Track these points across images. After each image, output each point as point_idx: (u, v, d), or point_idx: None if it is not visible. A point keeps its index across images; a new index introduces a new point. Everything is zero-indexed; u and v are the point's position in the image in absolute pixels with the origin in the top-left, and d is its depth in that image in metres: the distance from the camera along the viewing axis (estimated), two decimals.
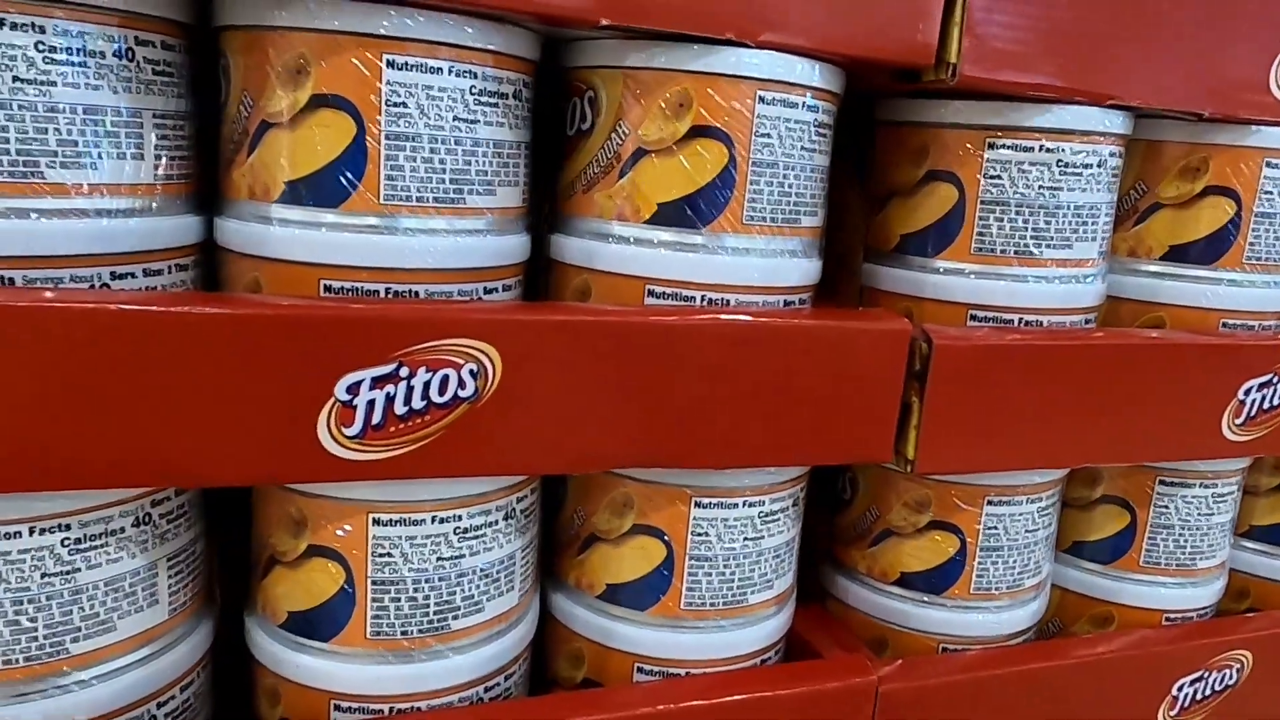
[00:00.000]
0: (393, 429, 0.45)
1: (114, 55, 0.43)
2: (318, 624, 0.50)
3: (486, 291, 0.50)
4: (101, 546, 0.45)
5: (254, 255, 0.47)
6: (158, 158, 0.46)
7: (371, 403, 0.45)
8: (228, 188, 0.48)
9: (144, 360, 0.42)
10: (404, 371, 0.45)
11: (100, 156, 0.43)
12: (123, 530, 0.46)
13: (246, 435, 0.44)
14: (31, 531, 0.43)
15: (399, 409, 0.45)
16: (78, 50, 0.42)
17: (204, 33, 0.49)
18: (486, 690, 0.54)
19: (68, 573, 0.45)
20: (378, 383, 0.45)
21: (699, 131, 0.50)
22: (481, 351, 0.46)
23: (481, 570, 0.51)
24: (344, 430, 0.45)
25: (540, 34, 0.51)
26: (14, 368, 0.40)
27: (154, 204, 0.46)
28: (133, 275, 0.45)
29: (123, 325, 0.41)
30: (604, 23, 0.46)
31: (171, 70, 0.46)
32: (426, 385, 0.45)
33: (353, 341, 0.44)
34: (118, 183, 0.44)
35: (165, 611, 0.49)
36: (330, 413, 0.44)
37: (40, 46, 0.41)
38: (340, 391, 0.44)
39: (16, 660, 0.44)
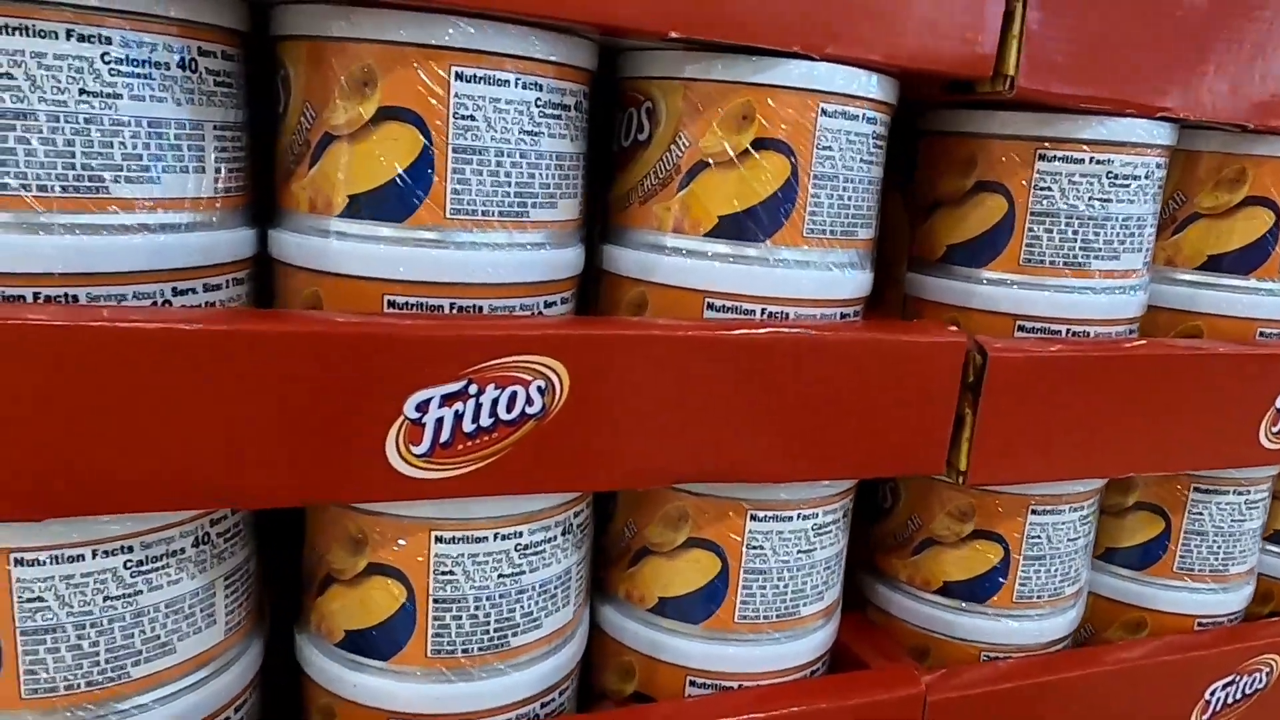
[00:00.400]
0: (460, 447, 0.45)
1: (178, 66, 0.42)
2: (377, 643, 0.49)
3: (546, 305, 0.50)
4: (163, 568, 0.44)
5: (314, 269, 0.46)
6: (218, 170, 0.45)
7: (440, 420, 0.44)
8: (285, 200, 0.47)
9: (212, 380, 0.41)
10: (473, 389, 0.44)
11: (163, 170, 0.42)
12: (182, 551, 0.45)
13: (315, 455, 0.43)
14: (94, 554, 0.42)
15: (467, 426, 0.45)
16: (143, 62, 0.41)
17: (258, 41, 0.48)
18: (543, 706, 0.53)
19: (129, 595, 0.44)
20: (447, 400, 0.44)
21: (761, 144, 0.49)
22: (550, 368, 0.45)
23: (540, 586, 0.51)
24: (412, 449, 0.44)
25: (598, 44, 0.50)
26: (78, 389, 0.39)
27: (214, 218, 0.45)
28: (193, 291, 0.44)
29: (191, 344, 0.40)
30: (673, 35, 0.46)
31: (230, 81, 0.45)
32: (495, 402, 0.45)
33: (423, 359, 0.43)
34: (180, 197, 0.43)
35: (222, 631, 0.48)
36: (399, 431, 0.44)
37: (107, 58, 0.40)
38: (410, 409, 0.44)
39: (78, 685, 0.43)
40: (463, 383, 0.44)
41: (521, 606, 0.50)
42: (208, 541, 0.47)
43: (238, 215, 0.47)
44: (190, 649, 0.46)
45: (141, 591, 0.44)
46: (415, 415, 0.44)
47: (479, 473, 0.46)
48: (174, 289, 0.44)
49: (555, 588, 0.52)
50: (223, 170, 0.45)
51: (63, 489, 0.40)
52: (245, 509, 0.48)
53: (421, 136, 0.44)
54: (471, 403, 0.44)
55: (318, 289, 0.47)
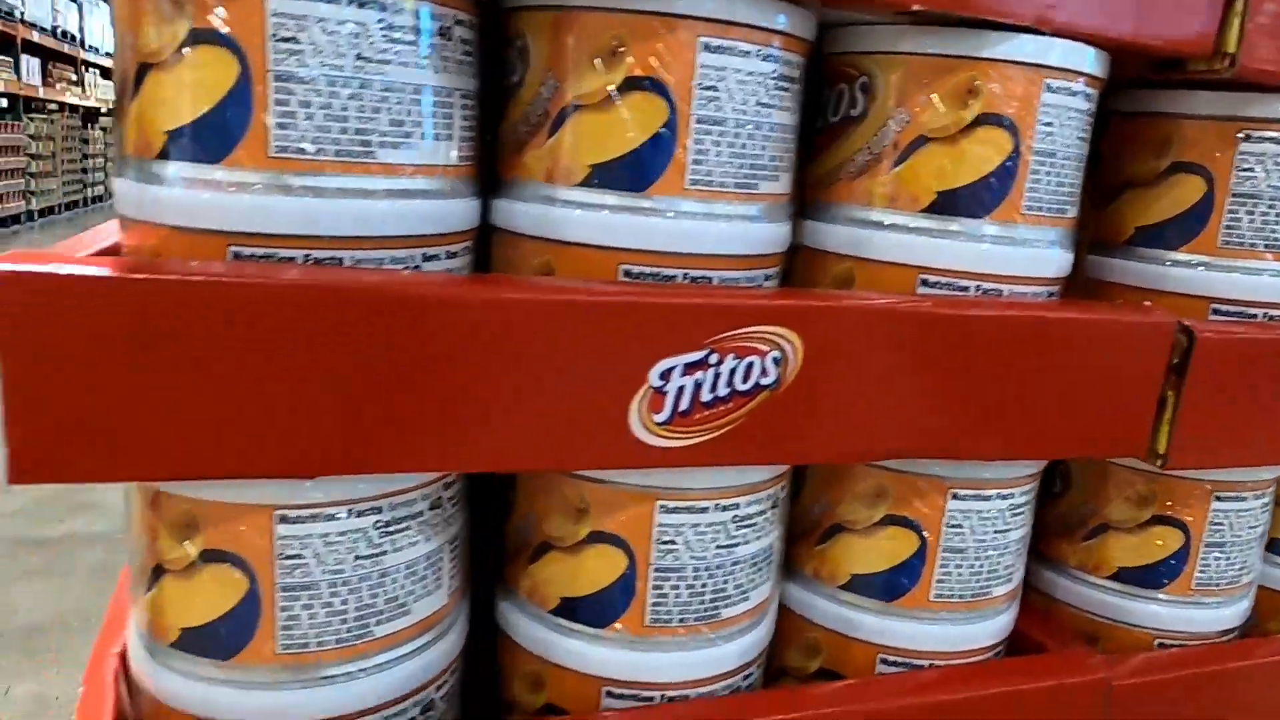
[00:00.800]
0: (697, 416, 0.45)
1: (438, 34, 0.42)
2: (594, 610, 0.50)
3: (766, 279, 0.50)
4: (404, 530, 0.45)
5: (548, 239, 0.47)
6: (462, 139, 0.45)
7: (681, 389, 0.44)
8: (516, 169, 0.48)
9: (464, 344, 0.41)
10: (714, 358, 0.44)
11: (421, 137, 0.43)
12: (421, 514, 0.46)
13: (562, 421, 0.44)
14: (350, 514, 0.43)
15: (705, 396, 0.45)
16: (412, 29, 0.41)
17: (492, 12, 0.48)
18: (744, 679, 0.53)
19: (377, 555, 0.44)
20: (689, 369, 0.44)
21: (985, 119, 0.49)
22: (786, 339, 0.45)
23: (751, 559, 0.51)
24: (654, 417, 0.44)
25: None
26: (348, 350, 0.40)
27: (457, 185, 0.45)
28: (437, 257, 0.45)
29: (448, 309, 0.41)
30: (915, 8, 0.46)
31: (472, 50, 0.46)
32: (732, 372, 0.45)
33: (669, 328, 0.44)
34: (433, 164, 0.44)
35: (446, 595, 0.49)
36: (642, 399, 0.44)
37: (381, 24, 0.40)
38: (654, 378, 0.44)
39: (328, 642, 0.44)
40: (704, 352, 0.44)
41: (734, 578, 0.51)
42: (440, 505, 0.47)
43: (471, 184, 0.47)
44: (422, 610, 0.47)
45: (387, 552, 0.45)
46: (659, 384, 0.44)
47: (713, 442, 0.46)
48: (424, 255, 0.44)
49: (762, 561, 0.52)
50: (465, 138, 0.46)
51: (329, 448, 0.41)
52: (496, 472, 0.48)
53: (667, 107, 0.45)
54: (711, 372, 0.45)
55: (550, 258, 0.47)
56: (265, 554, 0.42)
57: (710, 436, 0.46)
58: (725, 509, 0.49)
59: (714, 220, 0.46)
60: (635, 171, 0.45)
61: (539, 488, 0.51)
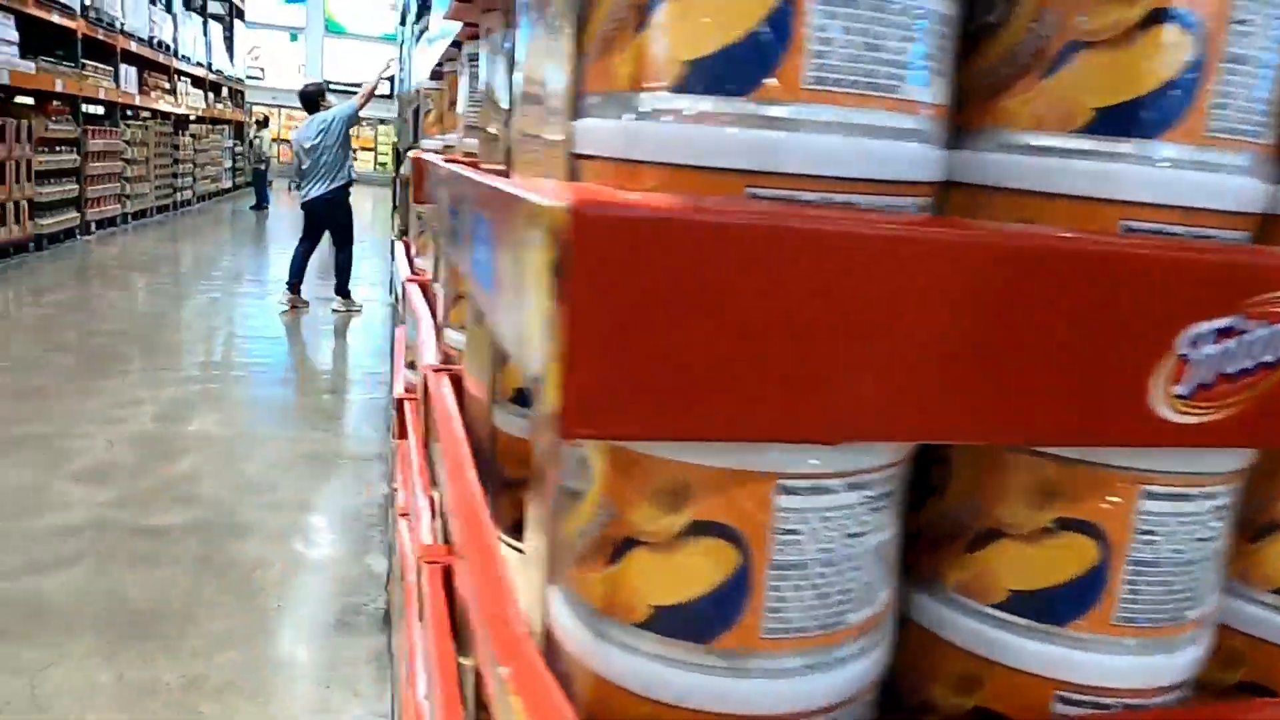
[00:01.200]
0: (1218, 390, 0.40)
1: None
2: (1053, 605, 0.45)
3: (1249, 241, 0.45)
4: (884, 509, 0.41)
5: (1033, 191, 0.42)
6: (952, 76, 0.41)
7: (1208, 359, 0.40)
8: (988, 116, 0.43)
9: (982, 298, 0.37)
10: (1243, 325, 0.40)
11: (934, 72, 0.39)
12: (892, 494, 0.42)
13: (1073, 390, 0.39)
14: (846, 487, 0.39)
15: (1229, 367, 0.40)
16: None
17: None
18: (1189, 689, 0.48)
19: (862, 534, 0.40)
20: (1220, 336, 0.39)
21: None
22: None
23: (1217, 555, 0.46)
24: (1173, 389, 0.40)
25: None
26: (860, 302, 0.36)
27: (946, 130, 0.41)
28: (927, 209, 0.41)
29: (962, 258, 0.37)
30: None
31: None
32: (1259, 342, 0.40)
33: (1200, 290, 0.39)
34: (938, 103, 0.40)
35: (893, 588, 0.44)
36: (1165, 369, 0.39)
37: None
38: (1183, 346, 0.39)
39: (809, 628, 0.40)
40: (1236, 317, 0.39)
41: (1203, 577, 0.45)
42: (903, 487, 0.43)
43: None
44: (885, 599, 0.43)
45: (870, 531, 0.41)
46: (1187, 352, 0.39)
47: (1224, 421, 0.41)
48: (917, 204, 0.40)
49: (1224, 559, 0.47)
50: (952, 76, 0.41)
51: (849, 410, 0.37)
52: (1001, 443, 0.44)
53: (1194, 42, 0.40)
54: (1238, 340, 0.40)
55: (1033, 213, 0.42)
56: (762, 527, 0.38)
57: (1222, 415, 0.41)
58: (1207, 497, 0.44)
59: (1229, 173, 0.42)
60: (1149, 116, 0.41)
61: (986, 467, 0.46)
